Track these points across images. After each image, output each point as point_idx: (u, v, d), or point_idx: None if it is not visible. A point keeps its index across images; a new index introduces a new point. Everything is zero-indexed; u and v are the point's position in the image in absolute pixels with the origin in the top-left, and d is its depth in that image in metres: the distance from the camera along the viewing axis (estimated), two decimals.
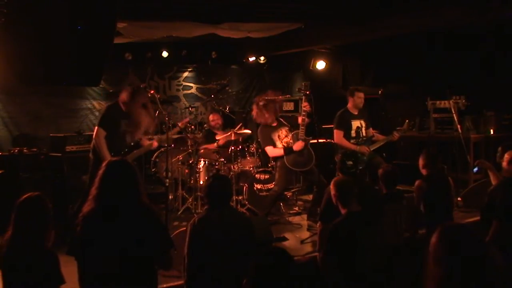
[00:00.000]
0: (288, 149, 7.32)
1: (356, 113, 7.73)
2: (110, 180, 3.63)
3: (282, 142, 7.48)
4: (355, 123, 7.66)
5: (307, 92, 7.21)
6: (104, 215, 3.56)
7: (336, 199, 4.76)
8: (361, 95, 7.74)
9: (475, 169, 5.93)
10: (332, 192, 4.80)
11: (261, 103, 7.57)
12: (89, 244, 3.54)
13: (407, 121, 7.80)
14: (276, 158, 7.65)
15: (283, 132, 7.57)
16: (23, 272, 3.53)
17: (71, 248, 3.59)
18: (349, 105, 7.75)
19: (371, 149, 7.56)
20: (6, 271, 3.59)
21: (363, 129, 7.70)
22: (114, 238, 3.51)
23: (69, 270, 3.72)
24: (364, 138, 7.65)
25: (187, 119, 7.75)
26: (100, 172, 3.68)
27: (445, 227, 2.61)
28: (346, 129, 7.63)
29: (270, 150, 7.54)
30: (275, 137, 7.54)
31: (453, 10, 7.70)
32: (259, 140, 7.81)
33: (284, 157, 7.34)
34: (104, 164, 3.76)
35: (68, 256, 3.66)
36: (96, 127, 6.35)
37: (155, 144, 6.90)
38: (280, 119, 7.74)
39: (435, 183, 5.87)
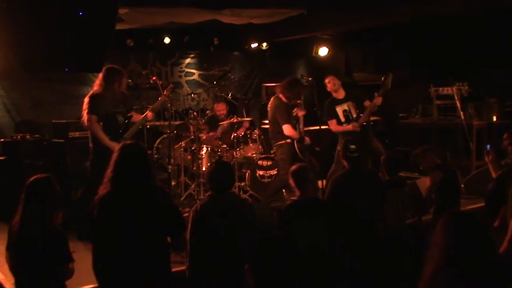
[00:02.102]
0: (301, 138, 7.40)
1: (341, 97, 7.67)
2: (125, 163, 3.71)
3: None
4: (340, 108, 7.62)
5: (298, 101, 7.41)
6: (120, 197, 3.63)
7: (295, 188, 4.77)
8: (327, 79, 7.66)
9: (488, 147, 5.93)
10: (290, 181, 4.81)
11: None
12: (106, 225, 3.61)
13: (390, 75, 7.61)
14: (281, 145, 7.57)
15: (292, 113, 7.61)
16: (32, 251, 3.60)
17: (87, 232, 3.65)
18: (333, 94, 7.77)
19: (362, 122, 7.45)
20: (16, 251, 3.66)
21: (353, 110, 7.62)
22: (130, 220, 3.59)
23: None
24: (355, 119, 7.59)
25: (171, 85, 7.63)
26: (115, 155, 3.77)
27: (449, 213, 2.65)
28: (335, 116, 7.62)
29: (289, 129, 7.38)
30: (292, 115, 7.57)
31: None
32: (275, 113, 7.51)
33: (295, 142, 7.39)
34: (118, 147, 3.85)
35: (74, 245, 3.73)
36: (86, 116, 6.33)
37: (150, 114, 6.84)
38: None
39: (448, 172, 5.90)
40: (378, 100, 7.42)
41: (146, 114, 6.78)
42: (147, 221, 3.62)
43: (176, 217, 3.85)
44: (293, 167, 4.87)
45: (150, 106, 8.54)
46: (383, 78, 7.46)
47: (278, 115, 7.42)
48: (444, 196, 5.79)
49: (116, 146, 6.09)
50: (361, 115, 7.50)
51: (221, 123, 8.71)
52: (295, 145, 7.37)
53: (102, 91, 6.42)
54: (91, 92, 6.59)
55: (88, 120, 6.32)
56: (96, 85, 6.51)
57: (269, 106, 7.70)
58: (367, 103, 7.60)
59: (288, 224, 4.52)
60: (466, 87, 9.19)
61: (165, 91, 7.02)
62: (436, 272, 2.51)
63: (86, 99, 6.42)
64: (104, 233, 3.60)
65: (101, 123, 6.36)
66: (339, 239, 4.61)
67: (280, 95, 7.50)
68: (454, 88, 9.03)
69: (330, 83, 7.62)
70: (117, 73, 6.52)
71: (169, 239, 3.84)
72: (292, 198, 4.78)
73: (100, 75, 6.46)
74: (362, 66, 11.91)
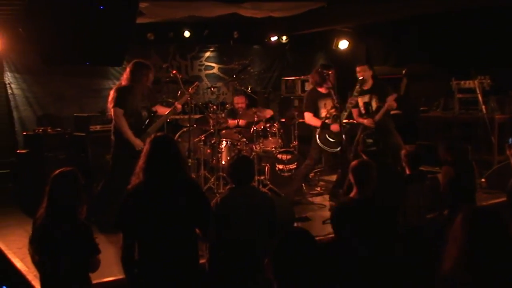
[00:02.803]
0: (325, 124, 7.37)
1: (366, 88, 7.55)
2: (157, 154, 3.75)
3: (327, 112, 7.54)
4: (363, 99, 7.52)
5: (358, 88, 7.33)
6: (153, 188, 3.68)
7: (353, 183, 4.61)
8: (359, 69, 7.53)
9: (510, 141, 5.89)
10: (349, 176, 4.69)
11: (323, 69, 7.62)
12: (138, 215, 3.64)
13: (404, 81, 7.55)
14: (314, 134, 7.60)
15: (329, 102, 7.55)
16: (57, 243, 3.63)
17: (118, 222, 3.68)
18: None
19: (376, 120, 7.32)
20: (41, 243, 3.70)
21: (374, 103, 7.51)
22: (162, 210, 3.63)
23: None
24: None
25: (196, 83, 7.77)
26: (146, 146, 3.82)
27: (468, 209, 2.62)
28: (356, 106, 7.55)
29: (309, 117, 7.57)
30: (321, 104, 7.59)
31: None
32: (303, 102, 7.77)
33: (317, 131, 7.40)
34: (149, 140, 3.89)
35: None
36: (113, 109, 6.38)
37: (179, 106, 6.95)
38: (331, 91, 7.60)
39: (460, 167, 5.84)
40: (393, 104, 7.37)
41: (174, 107, 6.91)
42: (178, 212, 3.67)
43: (206, 208, 3.89)
44: (354, 163, 4.68)
45: (170, 100, 8.70)
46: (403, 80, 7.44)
47: (304, 103, 7.74)
48: (457, 191, 5.75)
49: (138, 142, 6.18)
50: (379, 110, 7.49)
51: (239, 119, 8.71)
52: (317, 135, 7.40)
53: (130, 85, 6.46)
54: (117, 85, 6.64)
55: (114, 113, 6.35)
56: (124, 79, 6.53)
57: None
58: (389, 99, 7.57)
59: (339, 223, 4.47)
60: (488, 81, 9.09)
61: (190, 88, 7.12)
62: (454, 268, 2.49)
63: (112, 92, 6.46)
64: (137, 221, 3.64)
65: (127, 118, 6.41)
66: (391, 243, 4.50)
67: (316, 86, 7.67)
68: (476, 82, 8.95)
69: (360, 72, 7.55)
70: (145, 67, 6.56)
71: (197, 230, 3.86)
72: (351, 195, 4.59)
73: (128, 69, 6.50)
74: (383, 60, 11.80)
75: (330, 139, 7.41)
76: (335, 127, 7.34)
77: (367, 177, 4.48)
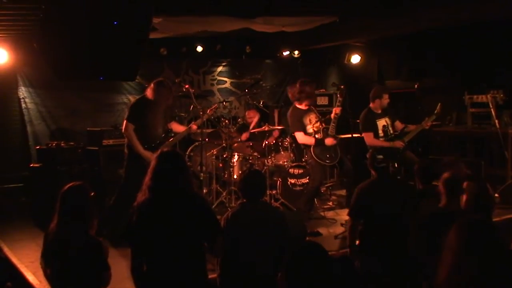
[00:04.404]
0: (319, 141, 7.32)
1: (379, 111, 7.64)
2: (163, 170, 3.76)
3: (313, 127, 7.45)
4: (381, 122, 7.57)
5: (340, 98, 7.25)
6: (159, 204, 3.69)
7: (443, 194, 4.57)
8: (387, 96, 7.64)
9: None
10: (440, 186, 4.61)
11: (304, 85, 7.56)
12: (145, 231, 3.66)
13: (440, 104, 7.60)
14: (308, 150, 7.57)
15: (313, 117, 7.52)
16: (68, 259, 3.65)
17: (126, 236, 3.71)
18: (373, 106, 7.65)
19: (406, 141, 7.45)
20: (52, 258, 3.71)
21: (389, 126, 7.61)
22: (168, 226, 3.65)
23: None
24: (393, 135, 7.55)
25: (216, 105, 7.86)
26: (153, 162, 3.83)
27: (465, 220, 2.65)
28: (374, 130, 7.54)
29: (301, 137, 7.49)
30: (306, 120, 7.52)
31: (492, 3, 7.52)
32: (289, 123, 7.70)
33: (312, 147, 7.35)
34: (156, 155, 3.91)
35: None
36: (124, 121, 6.49)
37: (194, 127, 7.02)
38: (311, 106, 7.65)
39: (479, 183, 5.79)
40: (427, 124, 7.56)
41: (190, 127, 7.08)
42: (185, 227, 3.68)
43: (213, 223, 3.89)
44: (446, 174, 4.64)
45: (182, 114, 8.78)
46: (437, 108, 7.61)
47: (290, 124, 7.60)
48: (479, 207, 5.69)
49: (148, 154, 6.23)
50: (400, 131, 7.61)
51: (250, 131, 8.73)
52: (311, 150, 7.36)
53: (150, 101, 6.55)
54: (138, 98, 6.79)
55: (125, 127, 6.45)
56: (147, 94, 6.63)
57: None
58: (398, 124, 7.74)
59: (433, 231, 4.45)
60: (501, 95, 9.05)
61: (209, 110, 7.31)
62: (450, 275, 2.50)
63: (130, 106, 6.60)
64: (143, 238, 3.64)
65: (141, 131, 6.49)
66: None
67: (295, 103, 7.60)
68: (489, 96, 8.91)
69: (388, 99, 7.63)
70: (166, 88, 6.65)
71: (205, 244, 3.87)
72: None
73: (152, 85, 6.60)
74: (395, 74, 11.79)
75: (326, 153, 7.38)
76: (329, 141, 7.33)
77: (455, 190, 4.48)
